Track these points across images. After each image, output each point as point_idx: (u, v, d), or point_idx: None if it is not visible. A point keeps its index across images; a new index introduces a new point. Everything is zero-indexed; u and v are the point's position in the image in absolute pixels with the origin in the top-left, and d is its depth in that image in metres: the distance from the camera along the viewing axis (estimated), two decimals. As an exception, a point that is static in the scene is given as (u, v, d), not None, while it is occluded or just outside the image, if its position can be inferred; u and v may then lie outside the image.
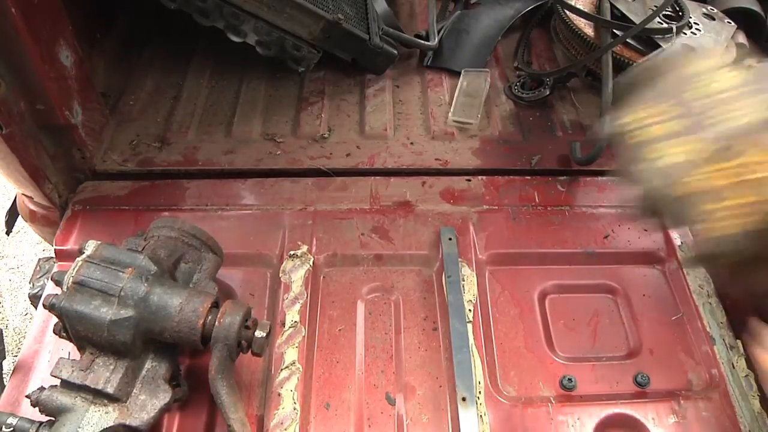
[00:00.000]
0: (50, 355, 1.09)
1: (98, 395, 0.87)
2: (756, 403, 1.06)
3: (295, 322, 1.13)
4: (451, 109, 1.55)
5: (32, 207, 1.36)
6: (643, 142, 0.55)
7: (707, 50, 0.50)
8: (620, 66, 1.46)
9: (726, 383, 1.08)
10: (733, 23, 1.60)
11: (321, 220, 1.29)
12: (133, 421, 0.87)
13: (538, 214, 1.33)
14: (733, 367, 1.10)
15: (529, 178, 1.41)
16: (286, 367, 1.06)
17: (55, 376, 0.88)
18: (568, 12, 1.56)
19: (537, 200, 1.36)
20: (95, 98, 1.39)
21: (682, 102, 0.53)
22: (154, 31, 1.75)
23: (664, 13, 1.52)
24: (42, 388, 0.89)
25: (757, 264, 0.56)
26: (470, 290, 1.17)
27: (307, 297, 1.16)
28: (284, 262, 1.21)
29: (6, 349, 1.24)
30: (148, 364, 0.93)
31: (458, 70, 1.65)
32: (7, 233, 1.52)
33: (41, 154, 1.24)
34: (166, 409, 0.91)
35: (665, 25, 1.47)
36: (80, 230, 1.27)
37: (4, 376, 1.17)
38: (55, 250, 1.25)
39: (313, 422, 1.02)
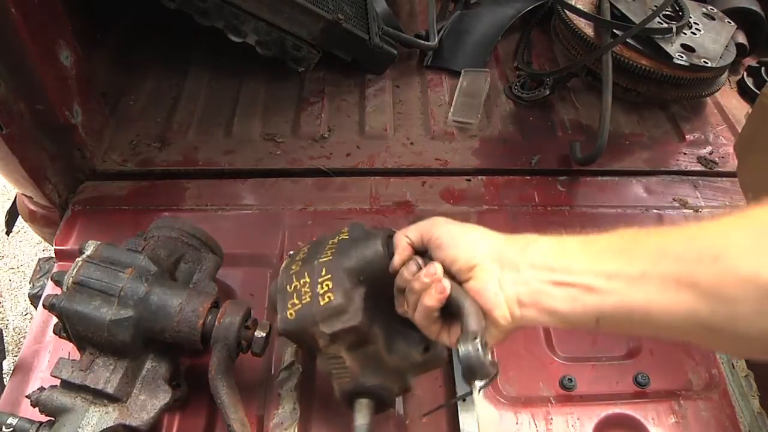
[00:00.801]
0: (50, 355, 1.09)
1: (98, 395, 0.87)
2: (756, 403, 1.06)
3: (295, 322, 1.12)
4: (451, 109, 1.55)
5: (32, 207, 1.36)
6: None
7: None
8: (620, 66, 1.46)
9: (726, 383, 1.08)
10: (733, 23, 1.61)
11: (321, 220, 1.29)
12: (133, 421, 0.87)
13: (538, 214, 1.33)
14: (733, 367, 1.10)
15: (528, 178, 1.41)
16: (286, 368, 1.06)
17: (55, 377, 0.88)
18: (568, 12, 1.56)
19: (537, 200, 1.36)
20: (95, 98, 1.39)
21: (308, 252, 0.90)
22: (154, 31, 1.75)
23: (664, 13, 1.52)
24: (42, 389, 0.89)
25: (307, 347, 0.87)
26: (470, 290, 1.17)
27: (307, 297, 1.16)
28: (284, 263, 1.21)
29: (6, 349, 1.24)
30: (148, 364, 0.93)
31: (458, 70, 1.65)
32: (7, 233, 1.53)
33: (41, 155, 1.24)
34: (166, 409, 0.91)
35: (665, 25, 1.47)
36: (80, 230, 1.27)
37: (4, 376, 1.17)
38: (55, 250, 1.25)
39: (313, 422, 1.02)
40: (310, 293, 0.83)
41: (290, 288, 0.86)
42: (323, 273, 0.84)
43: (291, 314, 0.83)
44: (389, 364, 0.89)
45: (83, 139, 1.32)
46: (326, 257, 0.86)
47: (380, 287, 0.85)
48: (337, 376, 0.87)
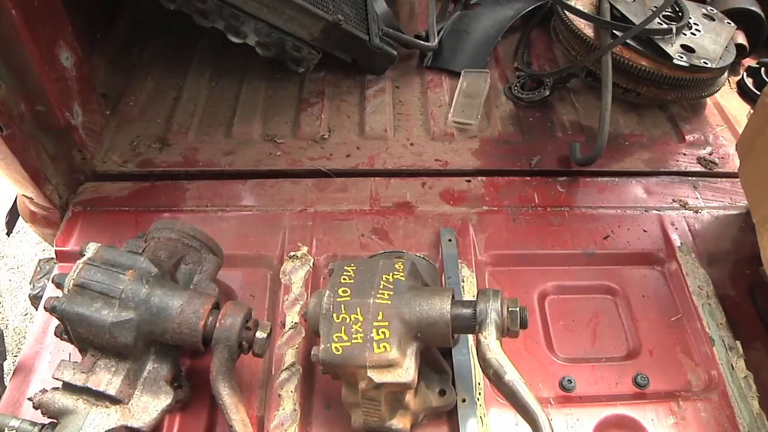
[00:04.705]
0: (51, 356, 1.09)
1: (100, 397, 0.87)
2: (755, 404, 1.06)
3: (296, 323, 1.13)
4: (451, 110, 1.55)
5: (33, 208, 1.36)
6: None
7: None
8: (620, 67, 1.46)
9: (725, 384, 1.08)
10: (732, 24, 1.61)
11: (321, 221, 1.30)
12: (135, 423, 0.88)
13: (538, 215, 1.33)
14: (732, 368, 1.10)
15: (528, 178, 1.41)
16: (287, 368, 1.07)
17: (57, 379, 0.88)
18: (567, 12, 1.56)
19: (537, 201, 1.36)
20: (95, 99, 1.39)
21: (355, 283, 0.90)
22: (154, 32, 1.75)
23: (663, 13, 1.52)
24: (44, 390, 0.90)
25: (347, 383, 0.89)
26: (470, 291, 1.17)
27: (307, 298, 1.16)
28: (284, 263, 1.21)
29: (6, 350, 1.24)
30: (149, 366, 0.93)
31: (458, 70, 1.65)
32: (8, 234, 1.53)
33: (42, 156, 1.24)
34: (167, 411, 0.91)
35: (665, 26, 1.47)
36: (81, 231, 1.27)
37: (4, 376, 1.17)
38: (55, 251, 1.25)
39: (313, 423, 1.02)
40: (362, 334, 0.83)
41: (337, 318, 0.85)
42: (380, 317, 0.84)
43: (337, 349, 0.83)
44: (411, 407, 0.93)
45: (83, 140, 1.32)
46: (383, 299, 0.86)
47: (431, 342, 0.88)
48: (366, 413, 0.89)
